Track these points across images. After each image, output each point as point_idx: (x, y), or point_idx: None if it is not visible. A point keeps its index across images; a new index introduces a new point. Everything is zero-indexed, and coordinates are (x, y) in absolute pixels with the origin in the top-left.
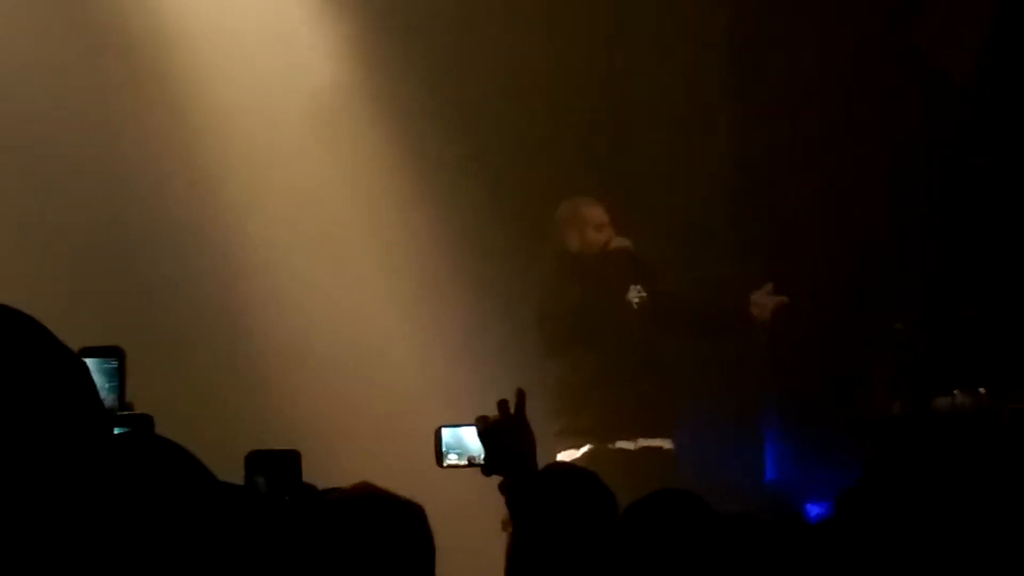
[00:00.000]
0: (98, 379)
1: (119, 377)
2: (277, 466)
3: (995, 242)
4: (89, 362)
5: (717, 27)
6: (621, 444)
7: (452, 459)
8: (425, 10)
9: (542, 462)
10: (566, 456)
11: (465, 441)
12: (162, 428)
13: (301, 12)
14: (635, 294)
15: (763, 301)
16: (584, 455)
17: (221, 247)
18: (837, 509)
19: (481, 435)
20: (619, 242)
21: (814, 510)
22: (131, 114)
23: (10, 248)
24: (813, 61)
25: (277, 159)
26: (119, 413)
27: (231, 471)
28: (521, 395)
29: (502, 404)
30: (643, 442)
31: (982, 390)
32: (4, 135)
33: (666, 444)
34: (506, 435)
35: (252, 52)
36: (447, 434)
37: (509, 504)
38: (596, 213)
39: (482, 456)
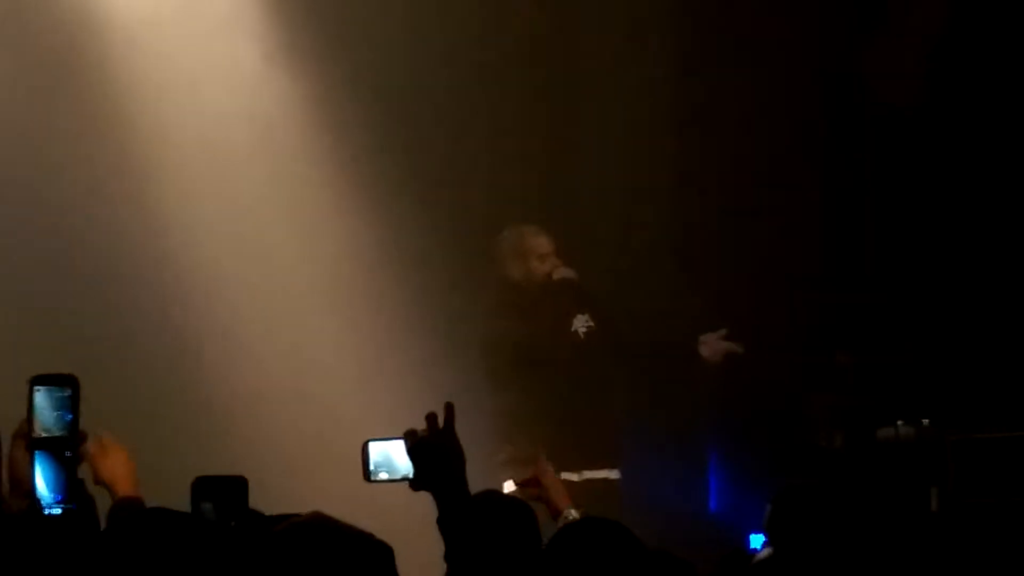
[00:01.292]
0: (51, 407)
1: (73, 406)
2: (224, 492)
3: (938, 274)
4: (42, 391)
5: (664, 55)
6: (566, 475)
7: (381, 476)
8: (369, 25)
9: (483, 487)
10: (509, 486)
11: (393, 457)
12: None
13: (238, 24)
14: (582, 324)
15: (715, 345)
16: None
17: (157, 267)
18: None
19: (410, 450)
20: (563, 272)
21: (756, 540)
22: (72, 133)
23: None
24: (757, 90)
25: (219, 177)
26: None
27: (177, 498)
28: (450, 408)
29: (431, 418)
30: (588, 474)
31: (925, 421)
32: None
33: (612, 475)
34: (435, 450)
35: (192, 67)
36: (375, 449)
37: (441, 528)
38: (539, 242)
39: (411, 471)
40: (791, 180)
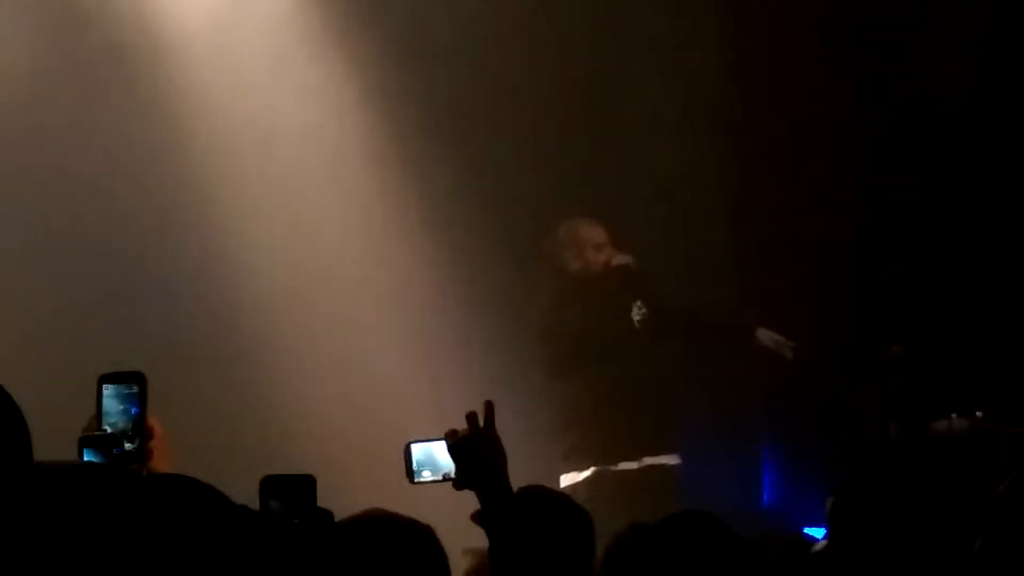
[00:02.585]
0: (119, 405)
1: (140, 402)
2: (292, 491)
3: (992, 265)
4: (110, 388)
5: (713, 49)
6: (625, 465)
7: (424, 476)
8: (418, 31)
9: (551, 482)
10: (569, 478)
11: (436, 456)
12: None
13: (303, 37)
14: (636, 312)
15: (771, 337)
16: (590, 476)
17: (219, 264)
18: (829, 529)
19: (450, 449)
20: (620, 259)
21: (812, 534)
22: (130, 139)
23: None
24: (813, 86)
25: (277, 183)
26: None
27: (245, 497)
28: (490, 407)
29: (471, 417)
30: (648, 460)
31: (979, 414)
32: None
33: (671, 460)
34: (476, 448)
35: (252, 72)
36: (417, 450)
37: (484, 525)
38: (594, 233)
39: (453, 471)
40: (843, 177)
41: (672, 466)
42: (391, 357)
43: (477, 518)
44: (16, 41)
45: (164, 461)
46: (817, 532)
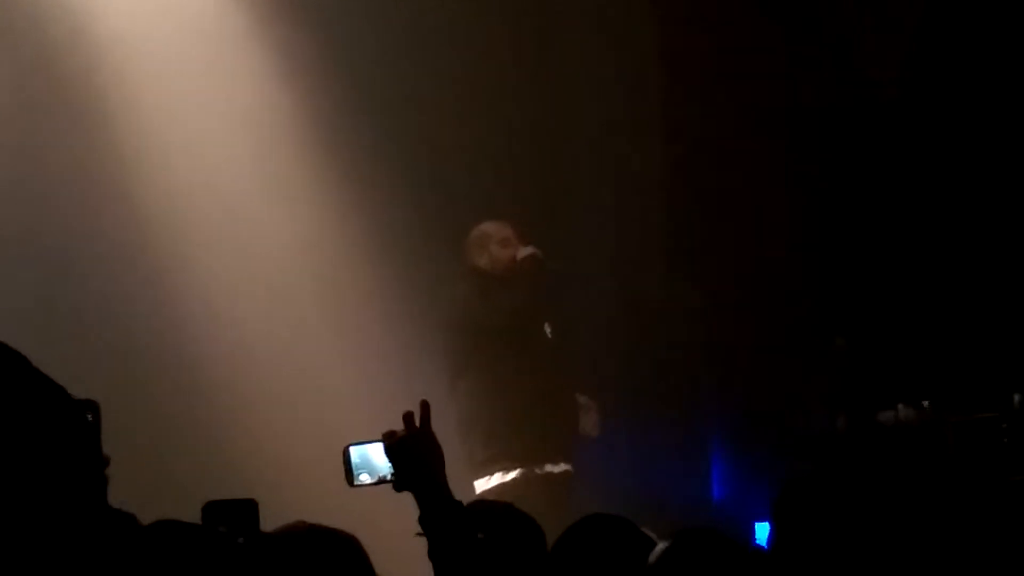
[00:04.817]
0: None
1: (94, 432)
2: (235, 515)
3: (933, 254)
4: None
5: (648, 43)
6: (523, 469)
7: (363, 479)
8: (354, 30)
9: (457, 486)
10: (486, 482)
11: (372, 459)
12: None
13: (233, 31)
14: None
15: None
16: (514, 480)
17: (152, 276)
18: (774, 523)
19: (387, 450)
20: (525, 251)
21: (762, 528)
22: (66, 141)
23: None
24: (745, 77)
25: (209, 178)
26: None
27: (172, 503)
28: (425, 407)
29: (407, 417)
30: (548, 467)
31: (925, 403)
32: None
33: (561, 468)
34: (413, 449)
35: (185, 70)
36: (355, 453)
37: (423, 527)
38: (498, 229)
39: (391, 473)
40: (781, 169)
41: (560, 473)
42: (331, 359)
43: (422, 523)
44: None
45: None
46: (765, 526)
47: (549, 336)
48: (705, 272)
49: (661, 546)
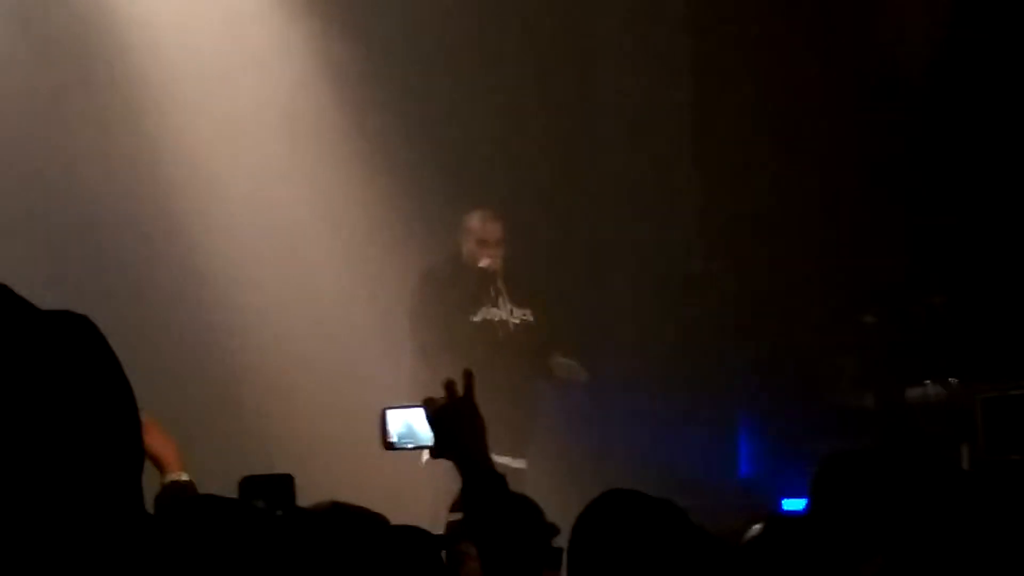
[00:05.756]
0: None
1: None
2: (272, 490)
3: (962, 233)
4: None
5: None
6: (505, 461)
7: (401, 443)
8: (384, 15)
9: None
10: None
11: (413, 425)
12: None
13: (269, 26)
14: (517, 317)
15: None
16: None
17: (176, 258)
18: (811, 502)
19: (429, 417)
20: (486, 262)
21: (789, 505)
22: (90, 127)
23: None
24: (774, 59)
25: (244, 171)
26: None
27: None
28: (469, 376)
29: (449, 386)
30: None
31: (953, 380)
32: None
33: (518, 464)
34: (455, 417)
35: (223, 63)
36: (393, 416)
37: (468, 503)
38: (480, 226)
39: (430, 440)
40: (814, 149)
41: (515, 469)
42: (366, 333)
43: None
44: None
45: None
46: (796, 504)
47: (512, 330)
48: (735, 249)
49: (755, 528)
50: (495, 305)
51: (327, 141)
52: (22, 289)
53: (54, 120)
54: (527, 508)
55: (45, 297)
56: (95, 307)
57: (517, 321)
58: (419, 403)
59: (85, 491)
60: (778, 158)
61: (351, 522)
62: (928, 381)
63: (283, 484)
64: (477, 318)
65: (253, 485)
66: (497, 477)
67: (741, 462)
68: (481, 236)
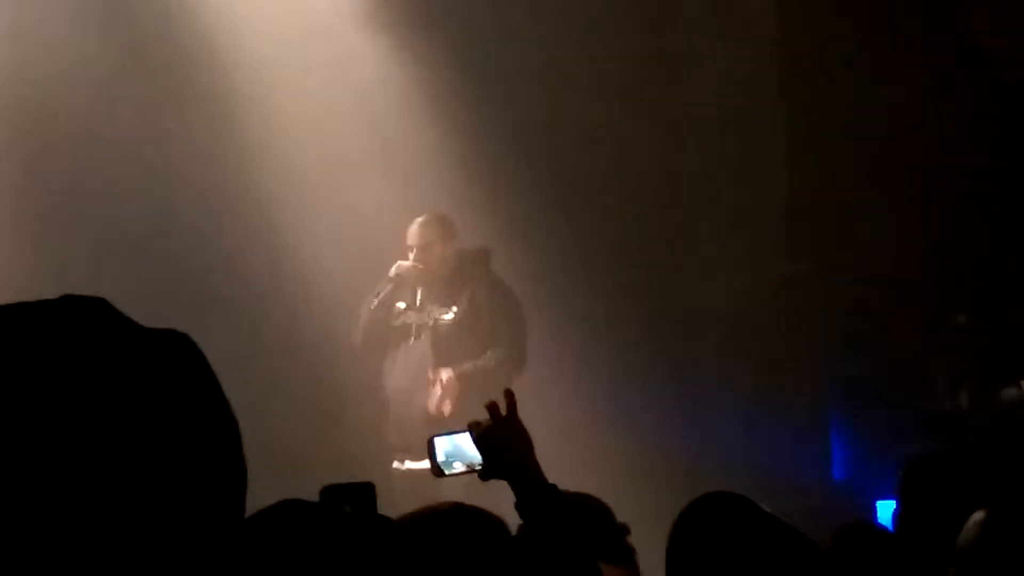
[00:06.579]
0: None
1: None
2: (354, 499)
3: None
4: None
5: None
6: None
7: (456, 467)
8: (477, 14)
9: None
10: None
11: (463, 448)
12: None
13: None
14: (450, 313)
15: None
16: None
17: (269, 261)
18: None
19: (476, 440)
20: (397, 268)
21: (884, 507)
22: (177, 115)
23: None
24: (867, 60)
25: (338, 177)
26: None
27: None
28: (510, 396)
29: (492, 407)
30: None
31: None
32: (53, 134)
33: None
34: (502, 437)
35: (299, 47)
36: (445, 443)
37: (520, 513)
38: (410, 231)
39: (479, 461)
40: (903, 148)
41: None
42: None
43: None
44: (74, 37)
45: None
46: (888, 505)
47: (441, 331)
48: (827, 250)
49: (978, 515)
50: (413, 308)
51: (412, 147)
52: (109, 297)
53: (139, 126)
54: (595, 509)
55: (127, 305)
56: (180, 315)
57: (451, 316)
58: (464, 428)
59: (190, 512)
60: (869, 158)
61: (475, 524)
62: (1022, 381)
63: (365, 492)
64: (396, 323)
65: (334, 494)
66: (550, 488)
67: (835, 464)
68: (409, 240)
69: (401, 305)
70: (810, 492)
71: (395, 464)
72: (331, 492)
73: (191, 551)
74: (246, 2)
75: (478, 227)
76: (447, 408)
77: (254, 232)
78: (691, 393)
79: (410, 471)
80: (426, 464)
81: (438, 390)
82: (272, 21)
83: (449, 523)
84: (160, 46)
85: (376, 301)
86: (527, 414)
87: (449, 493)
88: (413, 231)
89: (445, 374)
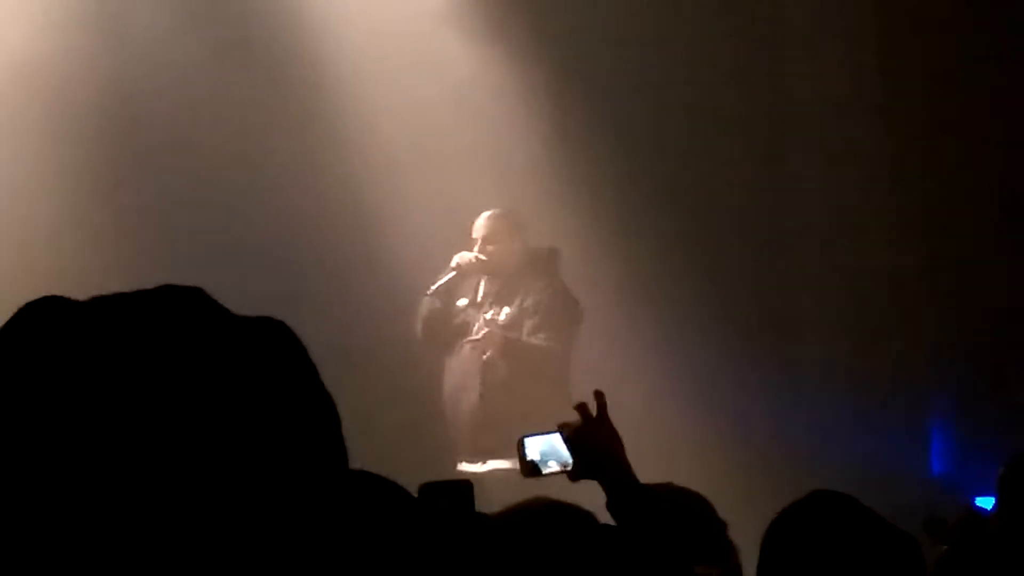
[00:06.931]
0: None
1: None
2: (452, 497)
3: None
4: None
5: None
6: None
7: (549, 467)
8: (578, 21)
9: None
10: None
11: (557, 448)
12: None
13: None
14: (502, 315)
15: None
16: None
17: (375, 261)
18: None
19: (568, 441)
20: (457, 257)
21: (984, 503)
22: (277, 113)
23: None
24: (966, 53)
25: (428, 174)
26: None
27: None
28: (600, 396)
29: (582, 408)
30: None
31: None
32: (154, 134)
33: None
34: (594, 437)
35: (396, 47)
36: (532, 443)
37: (613, 513)
38: (477, 224)
39: (569, 461)
40: (1002, 142)
41: (474, 473)
42: None
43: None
44: (176, 39)
45: None
46: (988, 502)
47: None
48: (928, 244)
49: None
50: (473, 304)
51: (506, 145)
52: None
53: (240, 128)
54: (692, 507)
55: (230, 301)
56: (278, 310)
57: (489, 317)
58: (554, 429)
59: (292, 502)
60: (968, 153)
61: (569, 521)
62: None
63: (463, 490)
64: (457, 320)
65: (432, 492)
66: (643, 488)
67: (933, 460)
68: (473, 233)
69: (462, 302)
70: (910, 488)
71: (463, 465)
72: (429, 490)
73: (294, 541)
74: (345, 5)
75: (581, 227)
76: (486, 353)
77: (348, 231)
78: (793, 386)
79: (463, 472)
80: (476, 467)
81: (480, 334)
82: (370, 22)
83: (546, 521)
84: (261, 48)
85: (433, 288)
86: (633, 411)
87: (507, 494)
88: (479, 223)
89: (492, 326)
